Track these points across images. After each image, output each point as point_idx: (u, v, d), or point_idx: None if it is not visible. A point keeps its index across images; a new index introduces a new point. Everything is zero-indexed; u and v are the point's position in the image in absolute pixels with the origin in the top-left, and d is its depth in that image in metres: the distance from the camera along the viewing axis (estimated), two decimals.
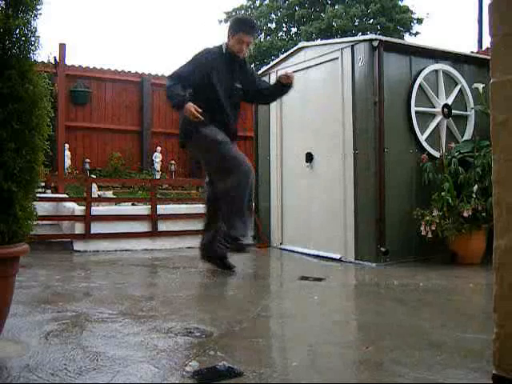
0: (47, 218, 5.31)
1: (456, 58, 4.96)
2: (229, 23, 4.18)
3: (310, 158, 5.10)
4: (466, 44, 39.01)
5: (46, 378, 1.76)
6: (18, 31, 1.93)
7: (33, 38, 1.96)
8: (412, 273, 4.03)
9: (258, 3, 21.04)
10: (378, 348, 2.17)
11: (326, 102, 4.95)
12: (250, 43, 4.10)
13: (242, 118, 4.38)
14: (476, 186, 4.28)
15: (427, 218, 4.26)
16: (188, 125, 3.93)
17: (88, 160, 9.04)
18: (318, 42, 8.42)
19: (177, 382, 1.75)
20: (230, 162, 3.88)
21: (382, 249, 4.33)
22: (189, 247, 5.43)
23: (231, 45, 4.05)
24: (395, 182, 4.49)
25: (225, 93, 4.01)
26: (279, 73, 5.54)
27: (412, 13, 20.07)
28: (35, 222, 2.05)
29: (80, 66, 9.42)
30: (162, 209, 5.66)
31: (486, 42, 8.93)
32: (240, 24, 4.08)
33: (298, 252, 5.17)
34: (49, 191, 6.67)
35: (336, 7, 19.46)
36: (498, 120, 1.55)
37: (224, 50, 4.07)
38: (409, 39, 19.43)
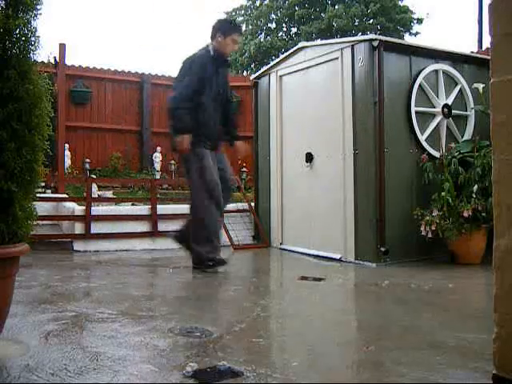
0: (47, 217, 5.31)
1: (456, 58, 4.96)
2: (215, 25, 4.18)
3: (310, 158, 5.10)
4: (466, 44, 39.05)
5: (45, 377, 1.76)
6: (17, 31, 1.92)
7: (33, 38, 1.96)
8: (412, 273, 4.02)
9: (257, 3, 21.03)
10: (378, 348, 2.17)
11: (325, 102, 4.95)
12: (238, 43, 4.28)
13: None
14: (476, 186, 4.27)
15: (427, 217, 4.26)
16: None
17: (88, 160, 9.04)
18: (318, 41, 8.41)
19: (177, 382, 1.75)
20: (205, 195, 3.94)
21: (382, 249, 4.32)
22: None
23: (223, 45, 4.11)
24: (395, 181, 4.49)
25: (213, 97, 4.06)
26: (279, 73, 5.56)
27: (412, 13, 20.08)
28: (35, 222, 2.05)
29: (80, 66, 9.42)
30: (162, 209, 5.66)
31: (486, 42, 8.93)
32: (231, 25, 4.23)
33: (297, 252, 5.17)
34: (49, 191, 6.66)
35: (336, 7, 19.46)
36: (497, 120, 1.55)
37: (212, 53, 4.11)
38: (409, 39, 19.44)
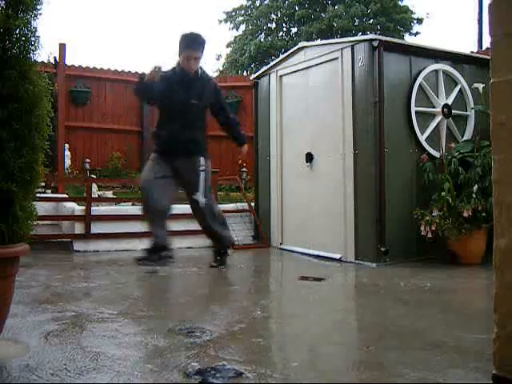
0: (47, 217, 5.30)
1: (456, 58, 4.96)
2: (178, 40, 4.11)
3: (309, 158, 5.10)
4: (466, 44, 39.04)
5: (46, 377, 1.76)
6: (18, 31, 1.92)
7: (33, 38, 1.96)
8: (412, 273, 4.02)
9: (257, 3, 21.03)
10: (378, 348, 2.17)
11: (325, 102, 4.95)
12: (198, 58, 4.07)
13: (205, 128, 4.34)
14: (476, 186, 4.27)
15: (427, 218, 4.26)
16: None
17: (88, 160, 9.02)
18: (318, 42, 8.41)
19: (177, 381, 1.75)
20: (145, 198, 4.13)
21: (382, 249, 4.32)
22: (189, 247, 5.42)
23: (182, 62, 4.06)
24: (395, 181, 4.49)
25: (179, 108, 4.02)
26: (279, 73, 5.55)
27: (412, 13, 20.11)
28: (35, 222, 2.05)
29: (80, 66, 9.41)
30: None
31: (486, 42, 8.93)
32: (186, 41, 4.05)
33: (297, 252, 5.17)
34: (49, 191, 6.65)
35: (336, 7, 19.47)
36: (497, 120, 1.55)
37: (177, 69, 4.11)
38: (409, 39, 19.45)
